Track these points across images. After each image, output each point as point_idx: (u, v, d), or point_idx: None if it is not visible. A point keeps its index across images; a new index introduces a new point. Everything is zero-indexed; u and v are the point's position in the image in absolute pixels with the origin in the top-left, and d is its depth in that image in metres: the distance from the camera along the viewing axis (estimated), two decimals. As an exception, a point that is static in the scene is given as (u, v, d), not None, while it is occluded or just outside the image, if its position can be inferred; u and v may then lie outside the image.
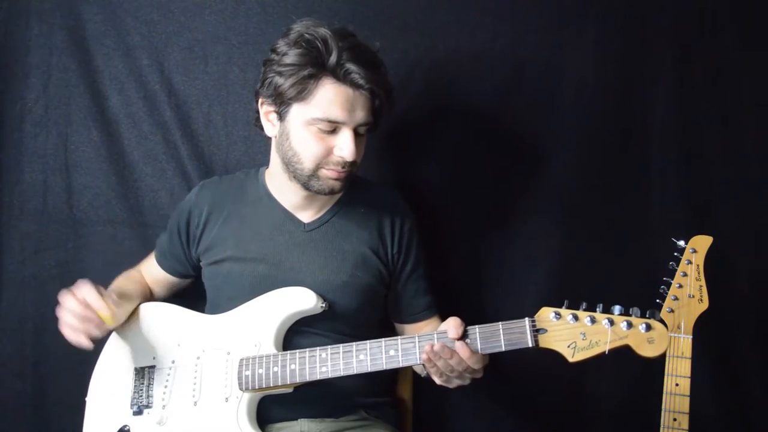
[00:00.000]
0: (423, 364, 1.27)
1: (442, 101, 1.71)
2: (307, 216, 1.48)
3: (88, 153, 1.75)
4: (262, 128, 1.43)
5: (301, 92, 1.30)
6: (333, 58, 1.29)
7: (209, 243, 1.49)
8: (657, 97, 1.67)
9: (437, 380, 1.28)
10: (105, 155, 1.75)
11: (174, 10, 1.74)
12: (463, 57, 1.69)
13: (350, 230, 1.48)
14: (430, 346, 1.22)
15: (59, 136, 1.75)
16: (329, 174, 1.36)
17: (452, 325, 1.23)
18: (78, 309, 1.29)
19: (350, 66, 1.29)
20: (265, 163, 1.55)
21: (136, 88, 1.74)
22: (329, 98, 1.30)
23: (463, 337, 1.23)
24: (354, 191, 1.48)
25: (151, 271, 1.62)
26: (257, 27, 1.72)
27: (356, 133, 1.35)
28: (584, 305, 1.20)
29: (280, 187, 1.47)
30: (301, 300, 1.39)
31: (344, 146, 1.33)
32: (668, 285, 1.32)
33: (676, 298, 1.31)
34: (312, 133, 1.33)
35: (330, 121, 1.31)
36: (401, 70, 1.64)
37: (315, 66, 1.29)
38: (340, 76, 1.30)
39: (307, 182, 1.38)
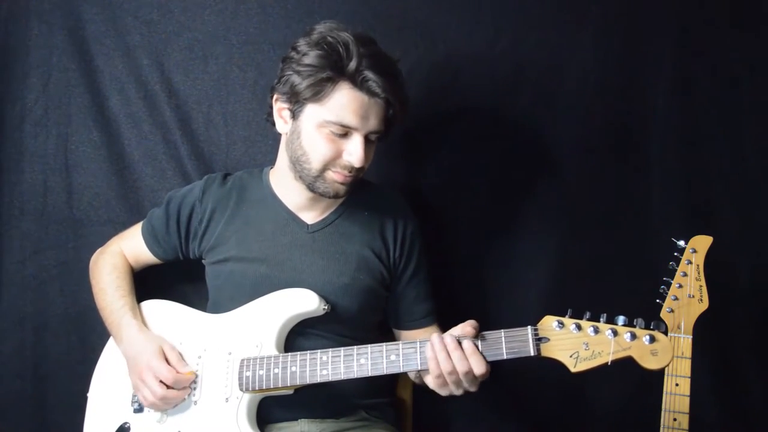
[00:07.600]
0: (419, 369, 1.26)
1: (441, 102, 1.71)
2: (310, 217, 1.48)
3: (88, 153, 1.75)
4: (273, 123, 1.43)
5: (317, 94, 1.31)
6: (353, 64, 1.29)
7: (212, 242, 1.49)
8: (657, 97, 1.68)
9: (431, 382, 1.26)
10: (105, 155, 1.74)
11: (174, 10, 1.74)
12: (463, 57, 1.69)
13: (353, 232, 1.48)
14: (440, 336, 1.22)
15: (59, 136, 1.75)
16: (335, 177, 1.36)
17: (462, 325, 1.23)
18: (172, 394, 1.36)
19: (368, 74, 1.29)
20: (266, 163, 1.55)
21: (136, 88, 1.73)
22: (344, 103, 1.31)
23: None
24: (358, 193, 1.48)
25: (136, 250, 1.58)
26: (257, 27, 1.72)
27: (367, 140, 1.35)
28: (588, 315, 1.19)
29: (286, 186, 1.47)
30: (304, 301, 1.39)
31: (354, 152, 1.33)
32: (668, 285, 1.32)
33: (676, 298, 1.31)
34: (323, 134, 1.33)
35: (342, 126, 1.32)
36: (401, 71, 1.64)
37: (334, 69, 1.29)
38: (357, 82, 1.30)
39: (312, 183, 1.39)
